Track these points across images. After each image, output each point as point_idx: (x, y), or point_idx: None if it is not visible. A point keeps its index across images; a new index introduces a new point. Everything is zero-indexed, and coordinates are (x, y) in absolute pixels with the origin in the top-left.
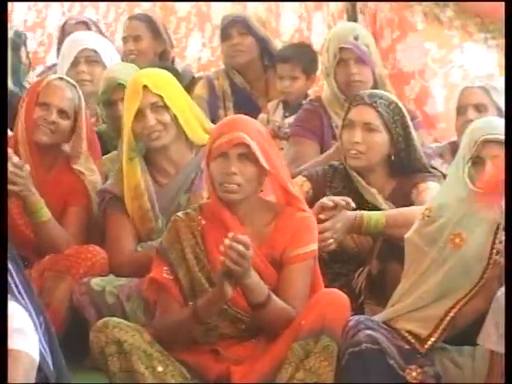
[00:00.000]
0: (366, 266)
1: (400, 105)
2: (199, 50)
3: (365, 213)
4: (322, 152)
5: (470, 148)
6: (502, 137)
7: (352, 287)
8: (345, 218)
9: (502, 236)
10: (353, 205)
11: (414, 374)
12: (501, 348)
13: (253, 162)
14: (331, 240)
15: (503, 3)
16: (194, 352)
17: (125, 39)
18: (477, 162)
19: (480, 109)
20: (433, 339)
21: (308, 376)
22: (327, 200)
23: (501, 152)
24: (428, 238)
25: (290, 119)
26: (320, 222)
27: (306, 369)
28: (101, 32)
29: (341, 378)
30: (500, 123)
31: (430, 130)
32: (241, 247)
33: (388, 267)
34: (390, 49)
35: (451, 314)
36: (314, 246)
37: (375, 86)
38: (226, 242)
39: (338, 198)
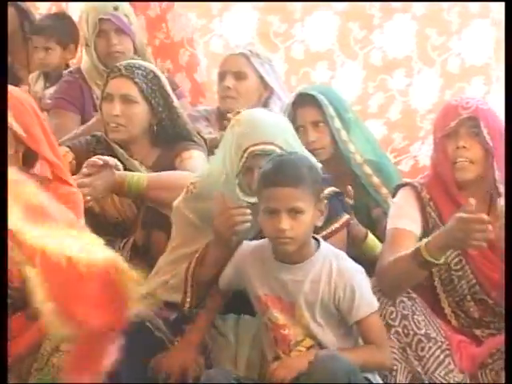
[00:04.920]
0: (131, 236)
1: (158, 74)
2: None
3: (127, 172)
4: (83, 123)
5: (237, 160)
6: (270, 147)
7: None
8: (106, 176)
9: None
10: (120, 166)
11: None
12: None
13: (10, 130)
14: (89, 197)
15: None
16: None
17: None
18: (246, 171)
19: (240, 76)
20: (187, 305)
21: None
22: (96, 158)
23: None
24: (201, 214)
25: (51, 90)
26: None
27: None
28: None
29: None
30: (264, 125)
31: (200, 98)
32: None
33: (153, 236)
34: (161, 18)
35: (190, 273)
36: (81, 222)
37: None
38: None
39: (107, 158)
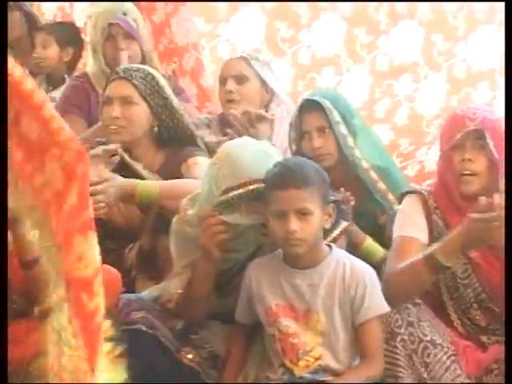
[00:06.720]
0: (137, 241)
1: (157, 75)
2: None
3: (139, 181)
4: (89, 128)
5: (217, 190)
6: (245, 189)
7: (123, 263)
8: (118, 184)
9: None
10: (120, 151)
11: (189, 356)
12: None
13: None
14: (103, 204)
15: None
16: None
17: None
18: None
19: (241, 80)
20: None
21: None
22: (97, 150)
23: None
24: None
25: (54, 94)
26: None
27: None
28: None
29: None
30: (241, 164)
31: (206, 103)
32: None
33: (160, 241)
34: (165, 23)
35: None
36: None
37: (143, 61)
38: None
39: (108, 146)
